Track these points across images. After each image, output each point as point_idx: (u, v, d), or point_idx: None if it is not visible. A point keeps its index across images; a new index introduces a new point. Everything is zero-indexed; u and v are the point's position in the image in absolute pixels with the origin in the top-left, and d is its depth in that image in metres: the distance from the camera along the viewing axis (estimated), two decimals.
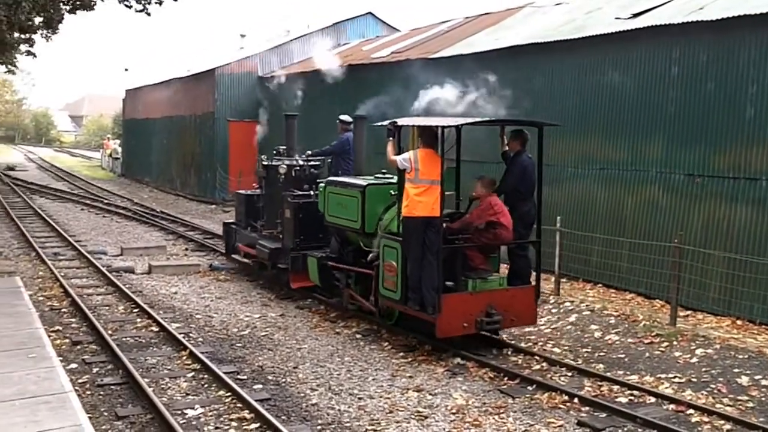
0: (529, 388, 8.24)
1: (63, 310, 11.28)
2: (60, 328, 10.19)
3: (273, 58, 28.93)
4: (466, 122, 9.46)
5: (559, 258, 12.26)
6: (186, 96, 31.91)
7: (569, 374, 8.72)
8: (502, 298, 9.39)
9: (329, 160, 13.67)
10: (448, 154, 9.91)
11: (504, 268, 10.44)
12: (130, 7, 24.43)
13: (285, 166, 12.96)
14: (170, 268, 14.70)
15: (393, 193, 10.02)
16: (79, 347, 9.39)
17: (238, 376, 8.51)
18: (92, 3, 25.56)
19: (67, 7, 27.19)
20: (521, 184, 9.95)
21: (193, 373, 8.53)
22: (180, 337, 9.72)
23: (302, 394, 7.98)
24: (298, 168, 13.10)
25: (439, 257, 9.00)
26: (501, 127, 10.62)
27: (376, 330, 10.55)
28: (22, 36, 31.86)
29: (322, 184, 11.62)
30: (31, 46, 35.33)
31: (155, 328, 10.38)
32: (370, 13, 30.52)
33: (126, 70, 51.07)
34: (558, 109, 14.37)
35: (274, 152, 13.97)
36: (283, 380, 8.44)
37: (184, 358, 9.05)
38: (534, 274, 10.00)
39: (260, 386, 8.22)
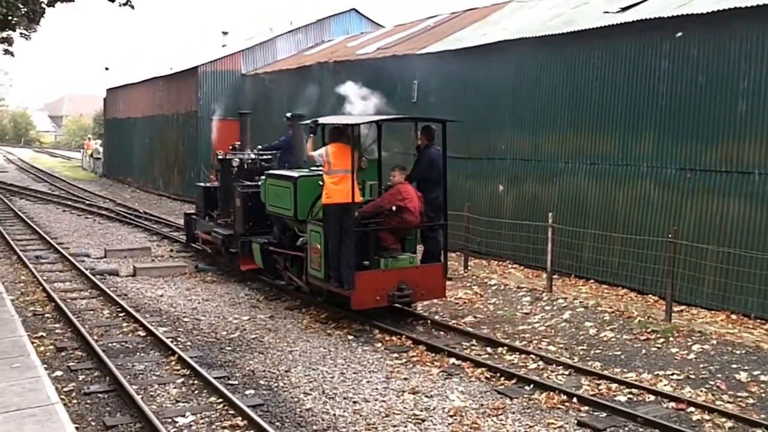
0: (527, 388, 8.10)
1: (46, 315, 11.01)
2: (44, 334, 9.92)
3: (257, 56, 28.66)
4: (382, 119, 11.13)
5: (551, 254, 12.13)
6: (168, 94, 31.57)
7: (566, 373, 8.59)
8: (412, 275, 10.56)
9: (278, 155, 14.54)
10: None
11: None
12: (113, 0, 24.05)
13: (237, 160, 13.95)
14: (156, 270, 14.44)
15: (321, 183, 10.80)
16: (63, 354, 9.14)
17: (229, 381, 8.30)
18: None
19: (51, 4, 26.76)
20: (429, 173, 11.36)
21: (182, 379, 8.31)
22: (168, 341, 9.50)
23: (296, 399, 7.79)
24: (249, 161, 13.99)
25: (352, 239, 10.20)
26: (415, 124, 12.03)
27: (369, 330, 10.38)
28: (1, 35, 31.41)
29: (263, 177, 12.55)
30: (10, 45, 34.85)
31: (142, 333, 10.14)
32: (353, 9, 30.32)
33: (107, 69, 50.26)
34: (547, 103, 14.27)
35: (231, 147, 14.86)
36: (276, 384, 8.25)
37: (173, 363, 8.83)
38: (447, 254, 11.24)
39: (252, 391, 8.02)
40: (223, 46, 36.12)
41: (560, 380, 8.35)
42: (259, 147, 14.65)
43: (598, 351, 9.45)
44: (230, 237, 13.62)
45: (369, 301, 10.31)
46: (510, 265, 14.38)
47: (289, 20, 32.83)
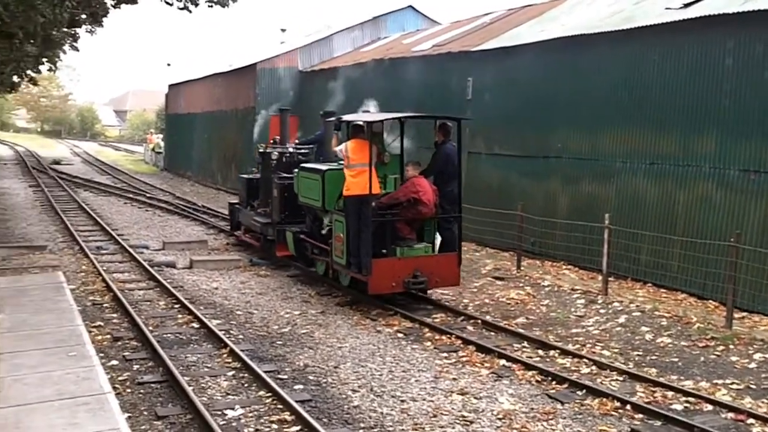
0: (579, 393, 7.93)
1: (105, 305, 11.26)
2: (101, 323, 10.14)
3: (313, 52, 28.83)
4: (398, 116, 11.90)
5: (607, 256, 11.89)
6: (227, 91, 31.99)
7: (620, 379, 8.39)
8: (427, 263, 11.21)
9: (315, 149, 15.14)
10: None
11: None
12: (171, 5, 24.56)
13: (277, 153, 14.88)
14: (211, 262, 14.65)
15: None
16: (120, 343, 9.32)
17: (279, 376, 8.34)
18: None
19: (112, 1, 27.42)
20: (444, 167, 11.83)
21: (233, 372, 8.39)
22: (221, 334, 9.59)
23: (344, 396, 7.79)
24: (288, 155, 14.82)
25: (370, 228, 10.89)
26: (435, 121, 12.33)
27: (418, 329, 10.34)
28: (68, 31, 32.28)
29: (296, 170, 13.26)
30: (75, 41, 35.79)
31: (196, 325, 10.28)
32: (410, 6, 30.24)
33: (168, 65, 51.51)
34: (605, 101, 13.99)
35: (272, 141, 15.97)
36: (324, 380, 8.26)
37: (225, 356, 8.92)
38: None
39: (301, 386, 8.05)
40: (282, 43, 36.43)
41: (614, 386, 8.17)
42: (297, 141, 15.74)
43: (654, 357, 9.22)
44: (268, 225, 14.52)
45: (385, 286, 11.04)
46: (564, 266, 14.15)
47: (346, 17, 32.91)
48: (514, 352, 9.29)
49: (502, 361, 8.95)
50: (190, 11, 24.35)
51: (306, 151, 14.98)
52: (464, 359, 9.07)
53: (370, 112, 14.83)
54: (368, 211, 10.94)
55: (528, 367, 8.70)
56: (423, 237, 11.74)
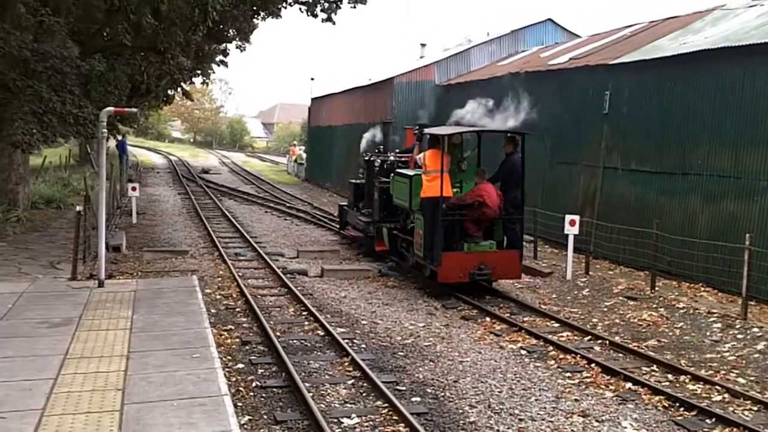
0: (708, 421, 7.55)
1: (237, 309, 11.75)
2: (232, 327, 10.60)
3: (450, 67, 28.94)
4: (469, 130, 13.89)
5: (747, 279, 11.23)
6: (366, 104, 32.67)
7: (754, 408, 7.92)
8: (491, 258, 12.80)
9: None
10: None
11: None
12: (316, 16, 25.49)
13: (379, 161, 16.59)
14: (342, 272, 14.99)
15: None
16: (247, 347, 9.71)
17: (398, 387, 8.43)
18: (278, 9, 26.85)
19: (257, 16, 28.72)
20: (509, 176, 13.46)
21: (353, 381, 8.55)
22: (343, 342, 9.79)
23: (460, 411, 7.77)
24: (388, 162, 16.34)
25: (440, 226, 12.59)
26: (505, 134, 14.06)
27: (543, 346, 10.16)
28: (218, 47, 34.09)
29: (392, 175, 15.01)
30: (225, 56, 37.70)
31: (321, 332, 10.54)
32: (549, 19, 29.82)
33: (312, 79, 53.04)
34: (750, 116, 13.24)
35: (376, 150, 17.67)
36: (442, 394, 8.27)
37: (346, 364, 9.10)
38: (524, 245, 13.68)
39: (418, 399, 8.09)
40: (421, 57, 36.82)
41: (747, 416, 7.72)
42: (397, 150, 17.27)
43: None
44: (369, 224, 16.38)
45: (453, 276, 12.66)
46: (702, 288, 13.46)
47: (486, 31, 32.89)
48: (641, 376, 8.96)
49: (629, 384, 8.65)
50: (334, 22, 25.20)
51: (405, 159, 16.13)
52: (588, 380, 8.84)
53: (457, 125, 15.81)
54: (438, 211, 12.62)
55: (655, 391, 8.37)
56: (492, 236, 13.26)
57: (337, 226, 21.75)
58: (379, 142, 18.69)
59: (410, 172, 14.10)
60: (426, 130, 14.22)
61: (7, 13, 17.52)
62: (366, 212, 16.98)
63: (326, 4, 25.17)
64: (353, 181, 18.91)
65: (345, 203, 19.54)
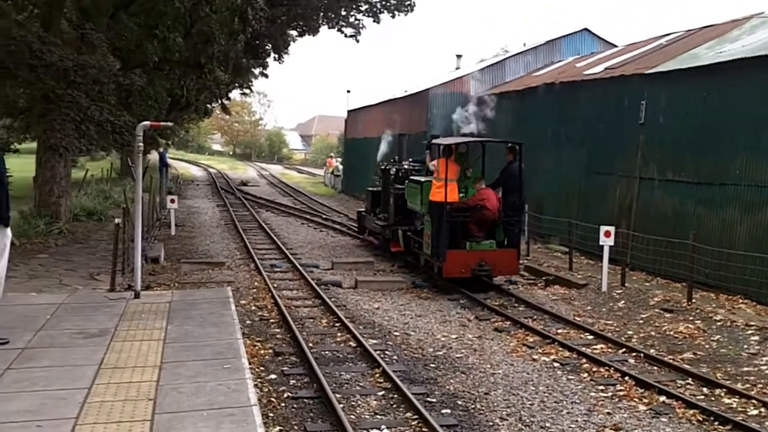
0: None
1: (271, 320, 11.85)
2: (266, 337, 10.70)
3: (486, 78, 28.94)
4: (473, 140, 16.19)
5: None
6: (401, 116, 32.76)
7: None
8: (491, 255, 14.25)
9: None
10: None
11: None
12: (347, 36, 25.91)
13: (394, 169, 17.89)
14: (375, 283, 15.05)
15: None
16: (280, 358, 9.79)
17: (428, 399, 8.42)
18: (316, 27, 27.29)
19: (294, 33, 29.14)
20: (508, 183, 14.81)
21: (383, 392, 8.57)
22: (375, 354, 9.82)
23: (491, 423, 7.74)
24: (403, 170, 17.62)
25: (445, 226, 14.06)
26: (506, 144, 15.67)
27: (576, 358, 10.08)
28: (256, 61, 34.60)
29: (407, 182, 16.68)
30: (265, 68, 38.19)
31: (353, 343, 10.59)
32: (585, 29, 29.67)
33: (348, 91, 53.58)
34: None
35: (391, 160, 19.20)
36: (473, 406, 8.25)
37: (377, 375, 9.12)
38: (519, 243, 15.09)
39: (449, 411, 8.08)
40: (457, 68, 36.84)
41: None
42: (410, 159, 18.40)
43: None
44: (386, 227, 17.98)
45: (456, 271, 14.06)
46: (740, 300, 13.22)
47: (522, 42, 32.84)
48: (676, 389, 8.85)
49: (663, 398, 8.55)
50: (357, 41, 25.67)
51: (418, 167, 17.41)
52: (621, 393, 8.75)
53: (467, 135, 18.33)
54: (444, 213, 14.07)
55: (690, 405, 8.26)
56: (493, 236, 14.65)
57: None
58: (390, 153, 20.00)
59: (422, 179, 15.55)
60: (435, 141, 15.97)
61: (51, 27, 18.02)
62: (382, 217, 18.51)
63: (351, 21, 25.73)
64: (370, 189, 20.44)
65: (363, 209, 21.23)
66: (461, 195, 14.93)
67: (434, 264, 14.66)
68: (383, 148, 25.25)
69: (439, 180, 14.19)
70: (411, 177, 16.59)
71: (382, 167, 18.97)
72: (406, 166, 17.85)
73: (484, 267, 14.08)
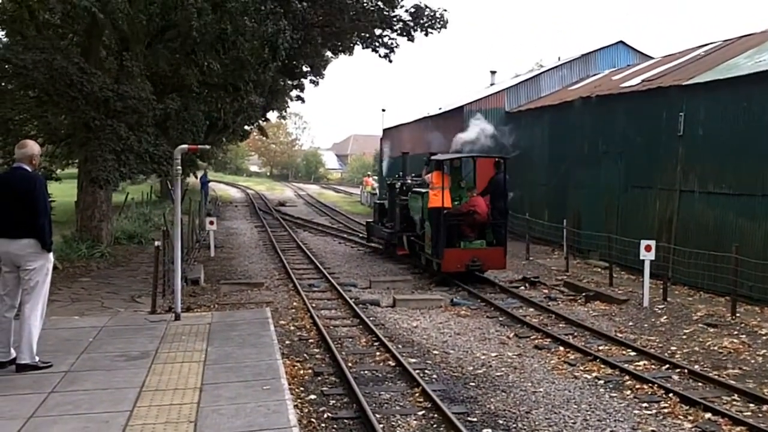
0: None
1: (310, 340, 11.87)
2: (305, 358, 10.72)
3: (521, 93, 28.84)
4: (464, 156, 18.97)
5: None
6: (436, 133, 32.75)
7: None
8: (481, 253, 16.82)
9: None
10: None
11: None
12: (381, 56, 26.15)
13: (399, 183, 20.66)
14: (413, 302, 14.99)
15: None
16: (319, 378, 9.79)
17: (468, 418, 8.35)
18: (351, 46, 27.51)
19: (329, 53, 29.40)
20: (494, 191, 17.48)
21: (423, 412, 8.51)
22: (414, 373, 9.76)
23: None
24: (407, 184, 20.26)
25: (441, 229, 16.50)
26: (493, 159, 18.41)
27: (619, 376, 9.93)
28: (292, 83, 34.92)
29: (410, 193, 19.30)
30: (301, 91, 38.49)
31: (392, 363, 10.54)
32: (621, 41, 29.47)
33: (383, 110, 53.60)
34: None
35: (396, 175, 21.87)
36: (514, 425, 8.16)
37: (417, 395, 9.07)
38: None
39: (489, 430, 8.01)
40: (491, 84, 36.78)
41: None
42: (413, 174, 21.06)
43: None
44: (392, 234, 20.54)
45: (452, 267, 16.61)
46: None
47: (557, 56, 32.70)
48: (722, 405, 8.66)
49: (708, 415, 8.38)
50: (390, 61, 25.98)
51: (420, 181, 19.59)
52: (666, 411, 8.60)
53: (464, 151, 20.98)
54: (441, 218, 16.55)
55: (736, 422, 8.08)
56: (484, 236, 17.16)
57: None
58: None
59: (423, 190, 18.02)
60: (433, 157, 18.27)
61: (90, 56, 18.41)
62: (389, 225, 21.13)
63: (385, 41, 26.04)
64: (377, 201, 23.88)
65: (371, 220, 24.20)
66: (455, 203, 17.46)
67: (434, 261, 17.13)
68: (385, 165, 27.82)
69: (435, 189, 16.86)
70: (413, 189, 19.14)
71: (389, 182, 21.86)
72: (409, 181, 20.48)
73: (476, 263, 16.61)
